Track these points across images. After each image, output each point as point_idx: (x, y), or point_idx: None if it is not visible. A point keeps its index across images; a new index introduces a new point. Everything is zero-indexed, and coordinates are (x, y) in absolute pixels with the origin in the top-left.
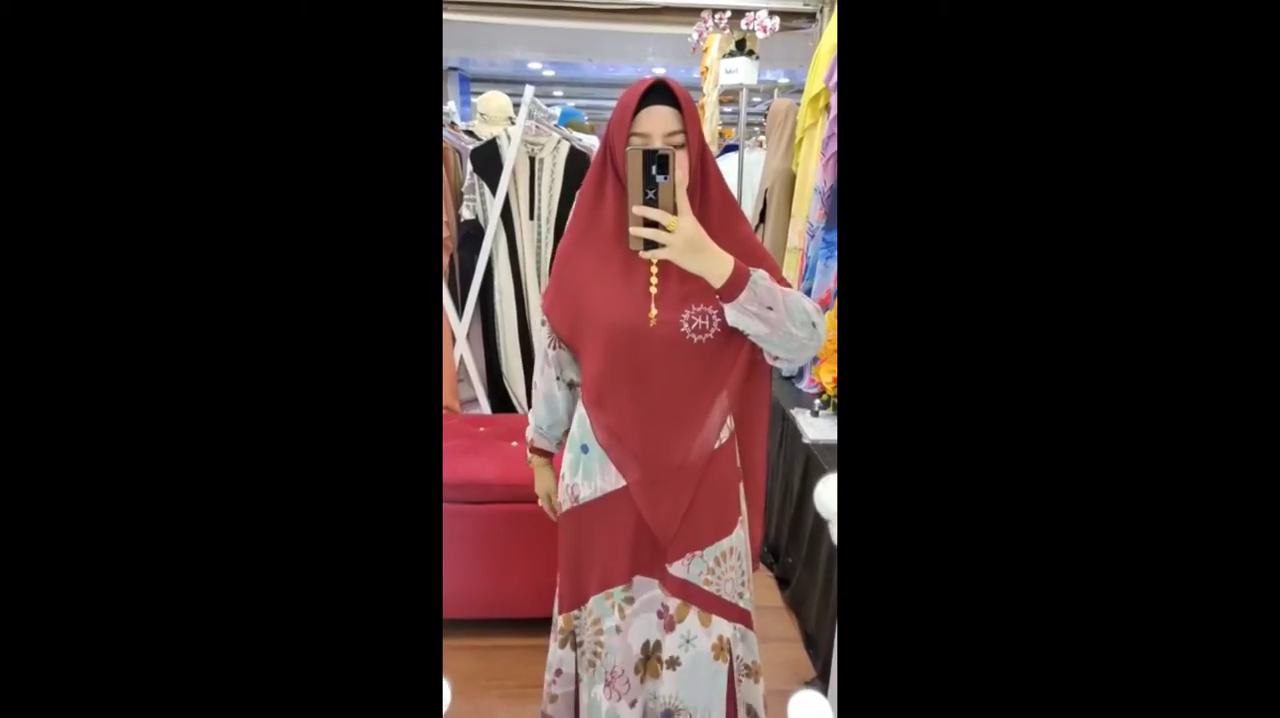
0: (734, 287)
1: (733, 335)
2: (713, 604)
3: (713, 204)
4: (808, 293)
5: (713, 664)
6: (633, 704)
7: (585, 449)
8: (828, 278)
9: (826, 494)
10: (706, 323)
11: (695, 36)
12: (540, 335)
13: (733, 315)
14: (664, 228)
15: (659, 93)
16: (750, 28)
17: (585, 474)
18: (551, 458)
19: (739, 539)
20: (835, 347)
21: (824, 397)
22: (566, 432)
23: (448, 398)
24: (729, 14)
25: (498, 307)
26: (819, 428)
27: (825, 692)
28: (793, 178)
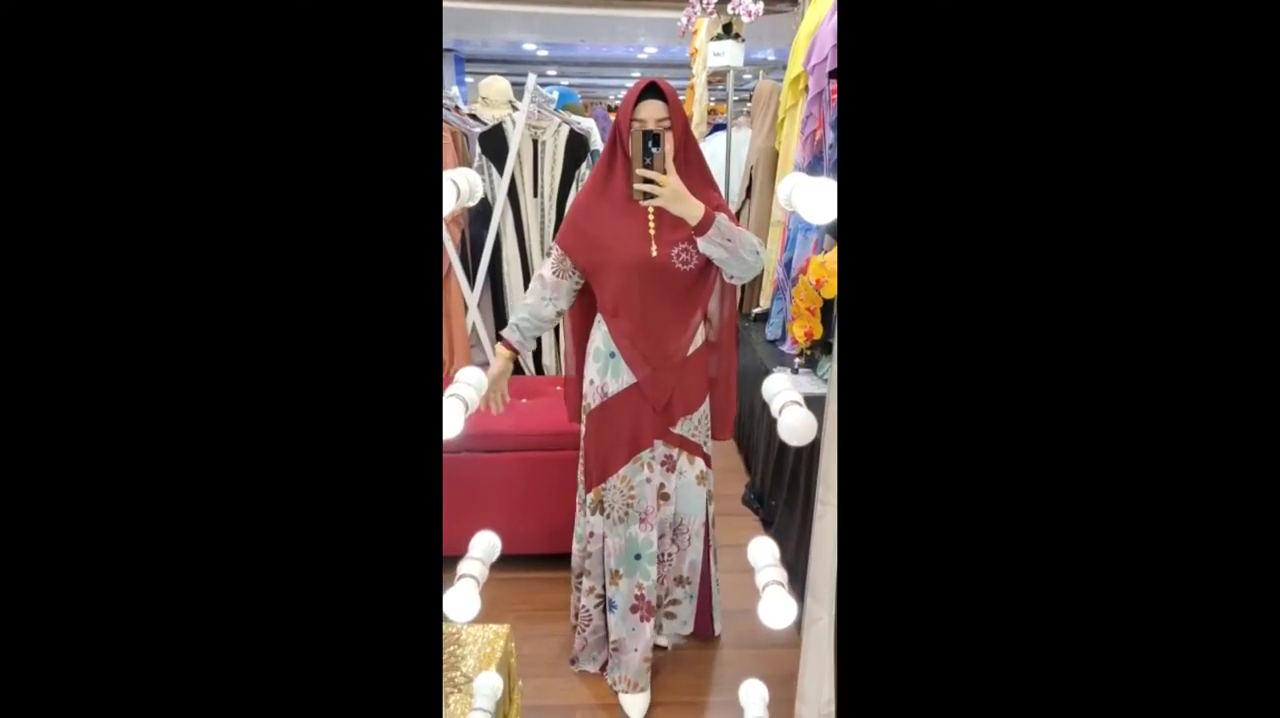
0: (704, 224)
1: (708, 267)
2: (694, 449)
3: (692, 169)
4: (789, 263)
5: (697, 487)
6: (653, 529)
7: (613, 355)
8: (807, 248)
9: (770, 385)
10: (689, 257)
11: (684, 20)
12: (544, 268)
13: (703, 245)
14: (657, 184)
15: (652, 90)
16: (736, 12)
17: (613, 373)
18: (515, 356)
19: (705, 408)
20: (805, 306)
21: (801, 355)
22: (537, 340)
23: (462, 361)
24: None
25: (506, 277)
26: (798, 384)
27: (801, 608)
28: (776, 155)
